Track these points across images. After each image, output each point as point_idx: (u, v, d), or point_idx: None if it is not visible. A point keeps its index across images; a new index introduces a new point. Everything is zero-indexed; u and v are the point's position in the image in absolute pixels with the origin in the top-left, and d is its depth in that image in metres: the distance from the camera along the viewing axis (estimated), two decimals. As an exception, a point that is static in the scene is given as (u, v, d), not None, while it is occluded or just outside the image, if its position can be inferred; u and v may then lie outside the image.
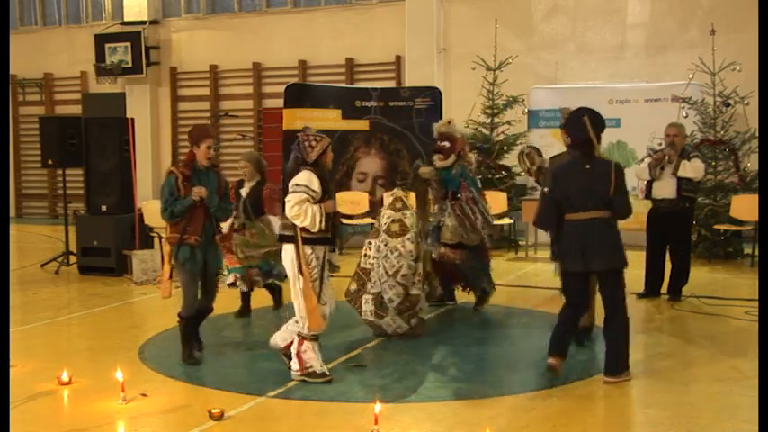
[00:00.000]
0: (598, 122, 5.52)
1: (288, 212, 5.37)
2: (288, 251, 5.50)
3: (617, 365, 5.49)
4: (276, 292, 7.55)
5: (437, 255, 7.42)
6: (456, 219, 7.34)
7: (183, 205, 5.82)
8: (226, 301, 7.01)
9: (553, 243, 5.99)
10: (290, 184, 5.47)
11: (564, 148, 6.74)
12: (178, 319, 6.06)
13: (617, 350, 5.50)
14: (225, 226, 7.04)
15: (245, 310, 7.54)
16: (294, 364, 5.50)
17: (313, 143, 5.51)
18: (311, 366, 5.45)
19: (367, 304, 6.64)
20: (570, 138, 5.73)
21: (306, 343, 5.47)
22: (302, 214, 5.32)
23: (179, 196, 5.84)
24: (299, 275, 5.39)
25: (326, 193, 5.49)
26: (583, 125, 5.44)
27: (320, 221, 5.37)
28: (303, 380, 5.44)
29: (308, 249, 5.41)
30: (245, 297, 7.52)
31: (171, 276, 6.01)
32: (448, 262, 7.46)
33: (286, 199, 5.43)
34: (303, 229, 5.37)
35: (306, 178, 5.41)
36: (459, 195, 7.35)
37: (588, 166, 5.42)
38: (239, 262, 7.20)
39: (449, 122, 7.66)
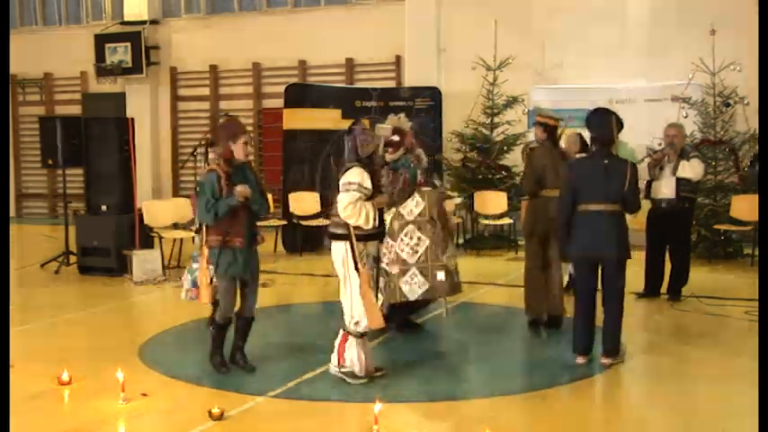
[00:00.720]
0: (620, 122, 5.98)
1: (341, 212, 5.28)
2: (338, 249, 5.41)
3: (614, 348, 5.78)
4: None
5: None
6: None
7: (228, 205, 5.46)
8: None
9: (562, 240, 6.08)
10: (341, 182, 5.35)
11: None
12: (210, 324, 5.85)
13: (615, 334, 5.78)
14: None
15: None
16: (333, 358, 5.48)
17: (369, 138, 5.46)
18: (350, 366, 5.43)
19: None
20: (593, 133, 6.02)
21: (351, 339, 5.43)
22: (356, 214, 5.25)
23: (221, 196, 5.49)
24: (354, 273, 5.31)
25: (376, 189, 5.44)
26: (608, 123, 5.88)
27: (373, 219, 5.31)
28: (341, 377, 5.43)
29: (360, 246, 5.36)
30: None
31: (212, 281, 5.69)
32: None
33: (338, 198, 5.33)
34: (355, 227, 5.32)
35: (358, 175, 5.32)
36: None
37: (606, 162, 5.82)
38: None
39: (399, 118, 7.58)
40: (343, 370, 5.47)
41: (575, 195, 5.84)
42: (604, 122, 5.93)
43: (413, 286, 6.56)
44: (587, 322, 5.85)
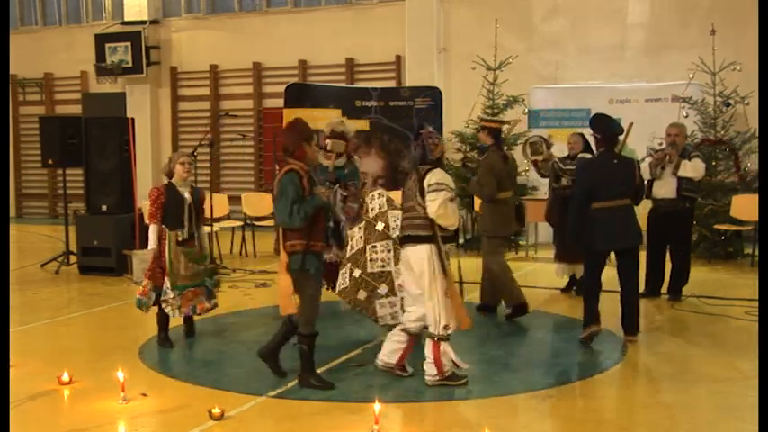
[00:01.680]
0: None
1: (433, 212, 5.24)
2: (419, 251, 5.33)
3: (635, 326, 6.45)
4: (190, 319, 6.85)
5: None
6: (345, 214, 6.86)
7: (314, 206, 5.18)
8: (226, 300, 7.00)
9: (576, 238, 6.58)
10: (426, 183, 5.31)
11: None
12: (297, 338, 5.43)
13: (635, 314, 6.46)
14: (152, 240, 6.50)
15: (190, 329, 6.86)
16: (431, 369, 5.36)
17: (436, 141, 5.49)
18: (449, 370, 5.39)
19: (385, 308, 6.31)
20: (598, 135, 6.55)
21: (443, 345, 5.35)
22: (448, 214, 5.28)
23: (304, 197, 5.19)
24: (441, 276, 5.28)
25: None
26: (611, 125, 6.50)
27: (458, 219, 5.43)
28: (443, 384, 5.35)
29: (443, 247, 5.35)
30: (189, 318, 6.82)
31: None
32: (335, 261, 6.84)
33: (429, 198, 5.28)
34: (439, 228, 5.32)
35: (444, 177, 5.36)
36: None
37: (615, 161, 6.42)
38: (182, 280, 6.52)
39: (341, 122, 7.38)
40: (444, 377, 5.37)
41: (588, 195, 6.33)
42: (607, 125, 6.48)
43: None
44: (596, 303, 6.40)
